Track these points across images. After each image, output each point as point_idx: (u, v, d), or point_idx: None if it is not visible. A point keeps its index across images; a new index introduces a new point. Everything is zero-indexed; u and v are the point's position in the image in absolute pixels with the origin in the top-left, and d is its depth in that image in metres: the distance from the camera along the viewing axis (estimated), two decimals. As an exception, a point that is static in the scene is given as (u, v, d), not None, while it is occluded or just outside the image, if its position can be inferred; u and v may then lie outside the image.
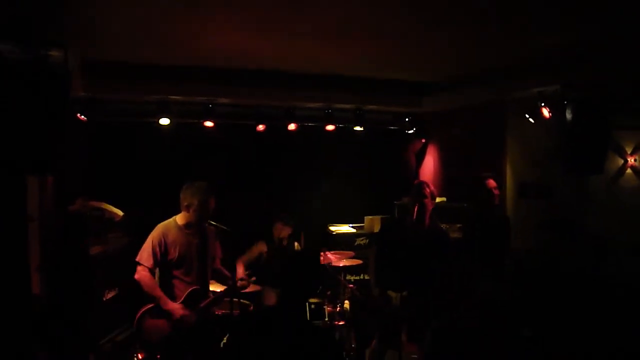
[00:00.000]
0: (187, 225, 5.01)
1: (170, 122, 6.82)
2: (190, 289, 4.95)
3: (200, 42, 5.26)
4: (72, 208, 5.59)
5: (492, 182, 5.81)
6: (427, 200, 5.32)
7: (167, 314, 4.80)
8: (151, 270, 4.85)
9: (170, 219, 5.06)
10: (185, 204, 4.97)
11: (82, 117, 6.47)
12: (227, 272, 5.35)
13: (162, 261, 4.90)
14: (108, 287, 5.85)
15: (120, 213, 6.06)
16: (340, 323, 6.18)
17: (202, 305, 5.00)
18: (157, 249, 4.86)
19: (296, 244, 7.10)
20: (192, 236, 5.03)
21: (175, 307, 4.83)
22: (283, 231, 6.92)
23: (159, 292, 4.82)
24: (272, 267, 6.58)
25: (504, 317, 5.60)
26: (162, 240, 4.90)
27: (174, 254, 4.91)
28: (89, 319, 5.49)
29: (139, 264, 4.85)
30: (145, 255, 4.86)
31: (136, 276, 4.83)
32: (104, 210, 5.98)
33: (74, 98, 5.77)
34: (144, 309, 4.84)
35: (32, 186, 4.79)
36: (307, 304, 5.95)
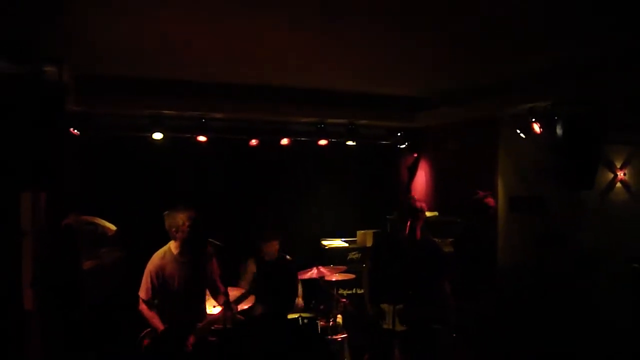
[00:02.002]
0: (181, 253, 5.06)
1: (164, 136, 6.84)
2: (188, 312, 5.02)
3: (193, 57, 5.29)
4: (65, 222, 5.57)
5: (491, 201, 5.91)
6: (420, 214, 5.42)
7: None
8: (150, 303, 4.95)
9: (166, 247, 5.12)
10: (173, 229, 5.02)
11: (75, 131, 6.47)
12: (222, 287, 5.39)
13: (161, 291, 4.98)
14: (101, 302, 5.82)
15: (113, 228, 6.04)
16: (334, 337, 6.18)
17: (199, 326, 5.05)
18: (156, 282, 4.99)
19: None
20: (189, 263, 5.08)
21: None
22: (274, 248, 6.89)
23: (158, 324, 4.91)
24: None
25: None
26: (160, 274, 5.00)
27: (172, 286, 5.01)
28: (81, 333, 5.48)
29: (139, 297, 5.05)
30: (144, 289, 4.99)
31: (139, 307, 5.03)
32: (96, 225, 5.95)
33: (67, 113, 5.78)
34: (144, 332, 5.05)
35: (25, 200, 4.78)
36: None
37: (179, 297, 5.04)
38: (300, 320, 6.10)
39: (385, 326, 5.48)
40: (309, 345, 5.61)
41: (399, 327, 5.39)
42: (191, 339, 4.97)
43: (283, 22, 4.20)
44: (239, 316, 5.65)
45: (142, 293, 5.00)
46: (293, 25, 4.30)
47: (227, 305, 5.07)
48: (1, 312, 4.37)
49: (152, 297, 4.97)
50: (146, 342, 5.04)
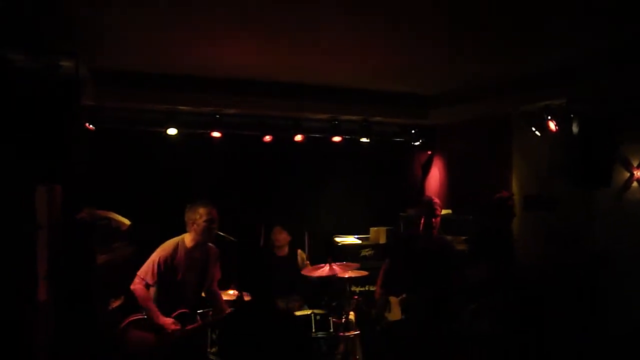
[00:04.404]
0: (194, 247, 5.08)
1: (178, 131, 6.86)
2: (179, 312, 5.00)
3: (208, 53, 5.30)
4: (80, 216, 5.61)
5: (513, 203, 5.91)
6: (438, 213, 5.65)
7: (156, 328, 4.87)
8: (148, 285, 4.93)
9: (180, 238, 5.12)
10: (191, 221, 5.04)
11: (91, 126, 6.50)
12: (221, 297, 5.47)
13: (163, 280, 4.96)
14: (113, 296, 5.85)
15: (127, 222, 6.08)
16: (346, 334, 6.18)
17: (188, 328, 5.04)
18: (162, 268, 4.95)
19: (299, 251, 7.10)
20: (197, 260, 5.10)
21: (167, 321, 4.89)
22: (281, 236, 6.91)
23: (152, 306, 4.90)
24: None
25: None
26: (169, 260, 4.98)
27: (176, 276, 4.99)
28: (94, 327, 5.50)
29: (137, 276, 4.97)
30: (146, 270, 4.95)
31: (132, 286, 4.98)
32: (110, 219, 5.99)
33: (83, 107, 5.82)
34: (129, 320, 4.92)
35: (40, 194, 4.81)
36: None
37: (177, 288, 5.04)
38: (312, 317, 6.11)
39: (389, 317, 5.70)
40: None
41: (398, 316, 5.57)
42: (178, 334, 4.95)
43: (300, 20, 4.20)
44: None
45: (143, 273, 4.97)
46: (309, 23, 4.30)
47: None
48: (15, 302, 4.40)
49: (151, 281, 4.95)
50: (133, 333, 4.97)
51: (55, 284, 5.00)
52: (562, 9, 3.87)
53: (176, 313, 5.00)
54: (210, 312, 5.66)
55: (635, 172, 6.12)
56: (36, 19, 3.95)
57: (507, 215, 5.90)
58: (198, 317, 5.27)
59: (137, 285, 4.95)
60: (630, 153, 6.13)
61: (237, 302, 5.62)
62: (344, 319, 6.26)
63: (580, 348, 5.75)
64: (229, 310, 5.36)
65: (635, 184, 6.13)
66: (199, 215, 5.03)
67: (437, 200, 5.85)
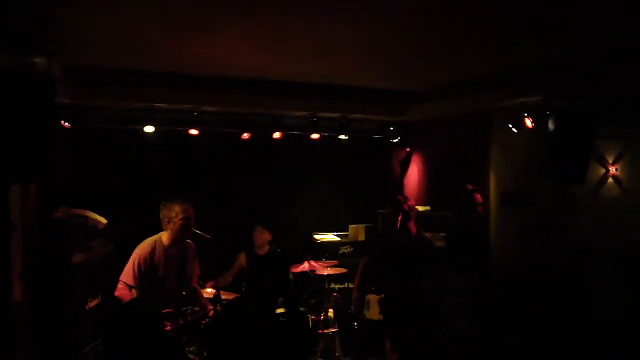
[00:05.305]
0: (171, 245, 5.05)
1: (155, 129, 6.79)
2: (163, 312, 4.97)
3: (185, 50, 5.25)
4: (55, 215, 5.54)
5: (479, 197, 5.93)
6: (410, 212, 5.52)
7: None
8: (132, 288, 4.89)
9: (157, 237, 5.09)
10: (166, 219, 5.00)
11: (66, 124, 6.42)
12: (201, 294, 5.43)
13: (144, 279, 4.93)
14: (90, 296, 5.79)
15: (104, 221, 6.01)
16: (325, 331, 6.18)
17: (173, 328, 5.01)
18: (142, 267, 4.92)
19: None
20: (175, 258, 5.07)
21: None
22: (262, 236, 6.90)
23: None
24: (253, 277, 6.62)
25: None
26: (148, 259, 4.95)
27: (156, 275, 4.96)
28: (71, 327, 5.44)
29: (120, 281, 4.94)
30: (127, 272, 4.92)
31: (116, 293, 4.94)
32: (87, 218, 5.92)
33: (58, 105, 5.74)
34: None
35: (15, 193, 4.74)
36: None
37: (159, 287, 5.01)
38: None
39: (367, 315, 5.70)
40: (300, 340, 5.63)
41: (376, 315, 5.58)
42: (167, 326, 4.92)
43: (277, 16, 4.18)
44: (218, 308, 5.63)
45: (125, 277, 4.94)
46: (286, 19, 4.28)
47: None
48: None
49: (134, 283, 4.93)
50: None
51: (31, 284, 4.93)
52: (540, 9, 3.90)
53: (160, 315, 4.96)
54: (189, 311, 5.63)
55: (610, 169, 6.20)
56: (10, 16, 3.89)
57: (470, 209, 5.91)
58: (180, 318, 5.24)
59: (121, 291, 4.92)
60: (605, 149, 6.21)
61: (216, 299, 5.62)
62: (322, 316, 6.28)
63: (561, 340, 5.81)
64: (210, 307, 5.34)
65: (610, 179, 6.22)
66: (175, 213, 5.00)
67: (407, 198, 5.81)
